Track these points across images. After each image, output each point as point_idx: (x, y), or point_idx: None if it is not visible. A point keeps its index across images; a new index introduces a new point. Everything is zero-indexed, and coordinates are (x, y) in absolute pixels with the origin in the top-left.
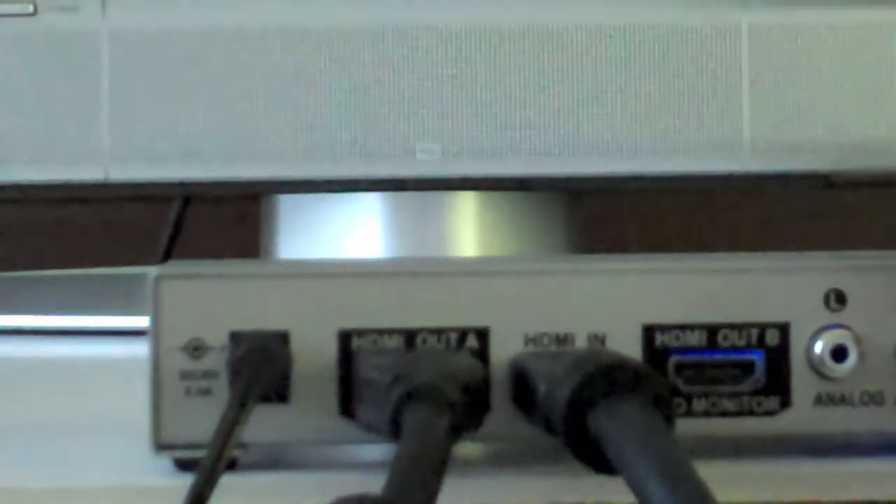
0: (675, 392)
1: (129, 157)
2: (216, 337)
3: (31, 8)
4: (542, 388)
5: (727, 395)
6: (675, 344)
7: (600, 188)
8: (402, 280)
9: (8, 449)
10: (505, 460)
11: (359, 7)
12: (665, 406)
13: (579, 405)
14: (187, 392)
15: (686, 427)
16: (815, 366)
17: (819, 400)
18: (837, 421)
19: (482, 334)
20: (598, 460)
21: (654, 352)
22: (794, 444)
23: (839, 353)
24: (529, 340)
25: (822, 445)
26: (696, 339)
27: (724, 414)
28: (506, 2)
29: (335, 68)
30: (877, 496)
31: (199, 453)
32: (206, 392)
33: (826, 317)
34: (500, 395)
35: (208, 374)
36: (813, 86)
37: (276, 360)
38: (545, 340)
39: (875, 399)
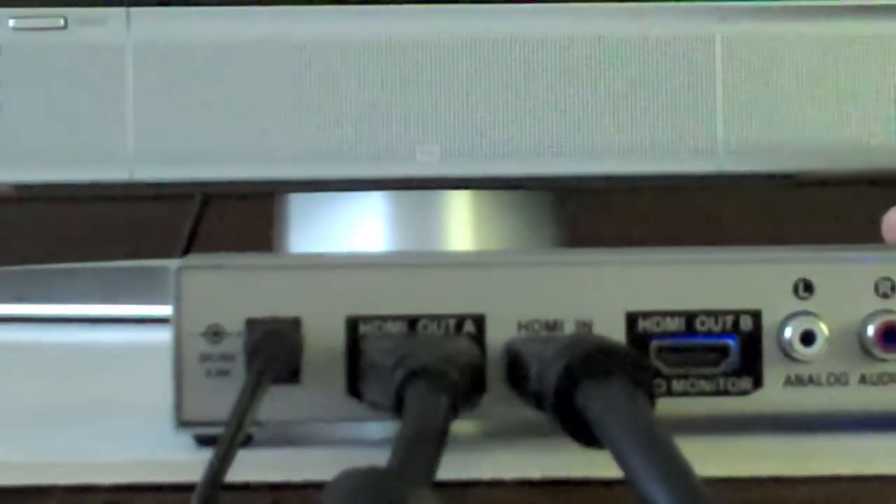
0: (656, 373)
1: (152, 158)
2: (233, 323)
3: (61, 22)
4: (533, 370)
5: (704, 377)
6: (656, 329)
7: (586, 187)
8: (404, 271)
9: (41, 427)
10: (500, 436)
11: (364, 24)
12: (647, 386)
13: (568, 385)
14: (207, 374)
15: (666, 406)
16: (785, 349)
17: (789, 381)
18: (806, 400)
19: (478, 321)
20: (586, 436)
21: (637, 336)
22: (766, 422)
23: (807, 338)
24: (522, 326)
25: (792, 423)
26: (675, 324)
27: (701, 394)
28: (498, 18)
29: (343, 78)
30: (842, 471)
31: (217, 430)
32: (224, 374)
33: (795, 304)
34: (495, 377)
35: (226, 358)
36: (782, 93)
37: (289, 345)
38: (536, 326)
39: (840, 380)
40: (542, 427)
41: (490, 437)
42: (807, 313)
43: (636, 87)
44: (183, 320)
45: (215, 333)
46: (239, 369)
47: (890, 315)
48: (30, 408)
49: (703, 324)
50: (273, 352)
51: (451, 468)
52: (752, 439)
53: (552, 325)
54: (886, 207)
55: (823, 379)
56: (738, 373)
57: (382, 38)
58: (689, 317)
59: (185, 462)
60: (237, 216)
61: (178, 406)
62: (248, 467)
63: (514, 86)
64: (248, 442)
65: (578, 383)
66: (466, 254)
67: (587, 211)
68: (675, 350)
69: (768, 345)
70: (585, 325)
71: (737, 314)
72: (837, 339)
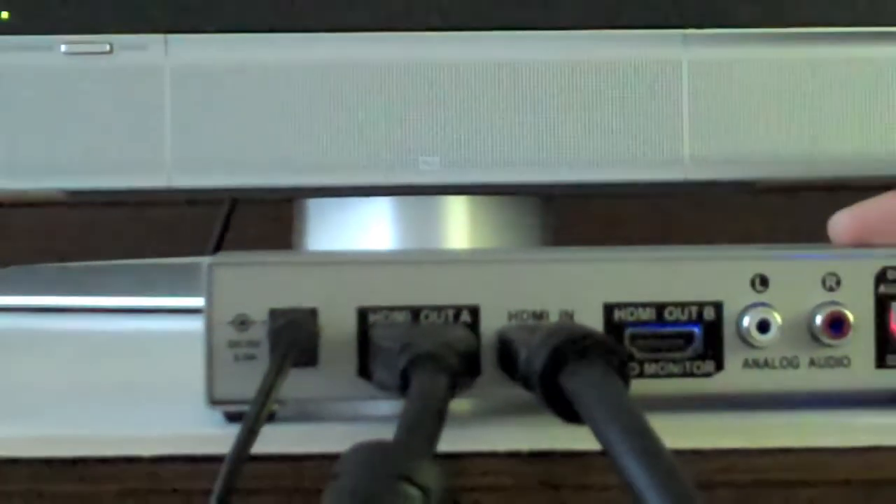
0: (630, 358)
1: (187, 168)
2: (258, 313)
3: (107, 47)
4: (522, 355)
5: (672, 361)
6: (630, 318)
7: (569, 193)
8: (408, 267)
9: (88, 405)
10: (492, 414)
11: (375, 50)
12: (622, 369)
13: (553, 368)
14: (235, 358)
15: (639, 387)
16: (743, 336)
17: (746, 364)
18: (761, 381)
19: (474, 311)
20: (569, 413)
21: (613, 325)
22: (726, 401)
23: (763, 326)
24: (512, 316)
25: (749, 402)
26: (647, 314)
27: (669, 376)
28: (492, 46)
29: (355, 97)
30: (793, 444)
31: (244, 408)
32: (251, 358)
33: (752, 296)
34: (488, 361)
35: (252, 343)
36: (741, 110)
37: (307, 332)
38: (525, 316)
39: (792, 363)
40: (529, 405)
41: (484, 415)
42: (762, 304)
43: (613, 105)
44: (213, 311)
45: (242, 322)
46: (263, 354)
47: (835, 306)
48: (77, 388)
49: (671, 313)
50: (293, 338)
51: (450, 441)
52: (713, 416)
53: (539, 315)
54: (833, 211)
55: (777, 362)
56: (701, 357)
57: (390, 62)
58: (659, 307)
59: (216, 436)
60: (261, 218)
61: (210, 386)
62: (272, 441)
63: (506, 105)
64: (271, 418)
65: (562, 366)
66: (463, 252)
67: (570, 214)
68: (646, 337)
69: (728, 332)
70: (568, 315)
71: (701, 305)
72: (789, 328)
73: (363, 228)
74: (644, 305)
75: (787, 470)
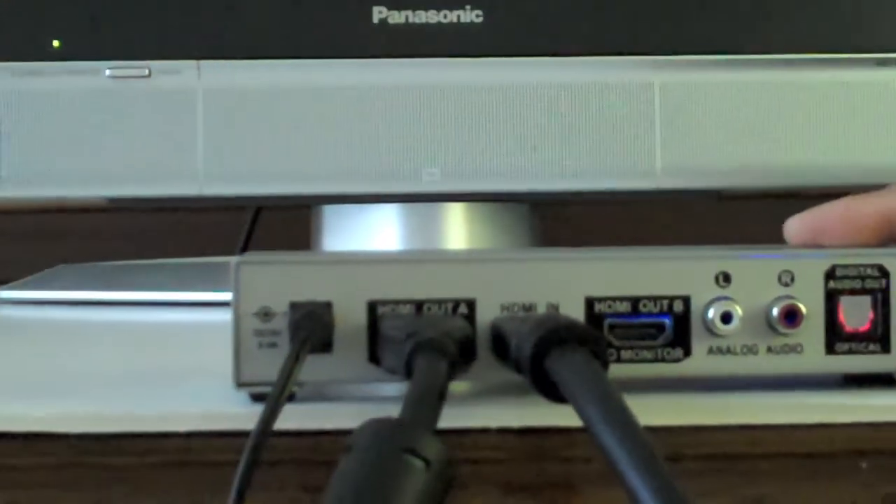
0: (609, 345)
1: (218, 177)
2: (280, 306)
3: (146, 72)
4: (513, 342)
5: (645, 348)
6: (609, 310)
7: (555, 200)
8: (412, 265)
9: (130, 386)
10: (487, 394)
11: (382, 75)
12: (601, 355)
13: (540, 354)
14: (259, 345)
15: (616, 371)
16: (708, 326)
17: (711, 351)
18: (724, 366)
19: (470, 304)
20: (554, 394)
21: (594, 316)
22: (693, 383)
23: (726, 317)
24: (504, 308)
25: (713, 384)
26: (623, 306)
27: (643, 361)
28: (487, 70)
29: (365, 116)
30: (752, 421)
31: (267, 389)
32: (273, 345)
33: (716, 291)
34: (483, 347)
35: (274, 332)
36: (707, 127)
37: (323, 322)
38: (516, 308)
39: (752, 350)
40: (520, 387)
41: (479, 395)
42: (726, 298)
43: (593, 123)
44: (240, 304)
45: (266, 314)
46: (284, 342)
47: (790, 300)
48: (120, 371)
49: (644, 306)
50: (311, 328)
51: (449, 419)
52: (682, 396)
53: (528, 307)
54: (788, 216)
55: (738, 349)
56: (672, 344)
57: (398, 86)
58: (634, 301)
59: (243, 414)
60: (283, 222)
61: (237, 370)
62: (292, 418)
63: (499, 123)
64: (291, 398)
65: (548, 352)
66: (461, 252)
67: (556, 219)
68: (623, 327)
69: (695, 323)
70: (554, 307)
71: (671, 299)
72: (749, 319)
73: (373, 231)
74: (621, 299)
75: (748, 444)
